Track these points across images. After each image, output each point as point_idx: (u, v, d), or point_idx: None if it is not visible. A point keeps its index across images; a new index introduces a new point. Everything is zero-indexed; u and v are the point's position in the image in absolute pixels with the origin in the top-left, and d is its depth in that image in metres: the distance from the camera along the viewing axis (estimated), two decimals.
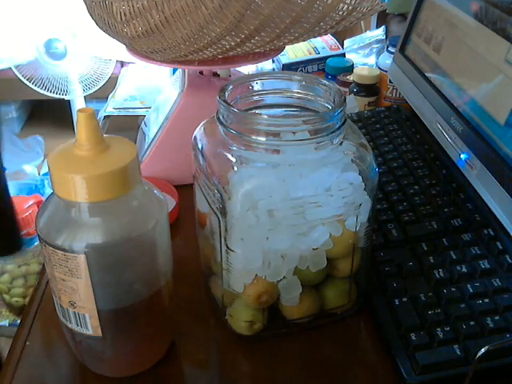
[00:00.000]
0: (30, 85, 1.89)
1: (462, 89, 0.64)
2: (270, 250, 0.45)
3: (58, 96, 1.93)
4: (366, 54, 1.09)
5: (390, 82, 0.85)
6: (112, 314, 0.43)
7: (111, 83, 1.82)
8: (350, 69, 0.93)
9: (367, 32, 1.16)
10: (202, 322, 0.54)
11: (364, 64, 1.04)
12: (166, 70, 1.38)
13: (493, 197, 0.55)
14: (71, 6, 1.71)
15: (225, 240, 0.45)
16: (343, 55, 1.02)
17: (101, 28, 0.65)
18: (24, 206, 1.32)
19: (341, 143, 0.46)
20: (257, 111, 0.50)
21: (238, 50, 0.62)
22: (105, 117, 1.55)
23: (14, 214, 0.74)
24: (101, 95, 1.77)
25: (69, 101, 2.03)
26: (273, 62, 1.05)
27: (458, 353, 0.45)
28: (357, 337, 0.53)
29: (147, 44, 0.61)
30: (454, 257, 0.53)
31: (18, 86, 1.89)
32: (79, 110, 0.38)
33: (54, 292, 0.43)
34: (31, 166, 2.15)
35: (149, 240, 0.42)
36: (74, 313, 0.42)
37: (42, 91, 1.90)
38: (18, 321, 1.24)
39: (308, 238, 0.46)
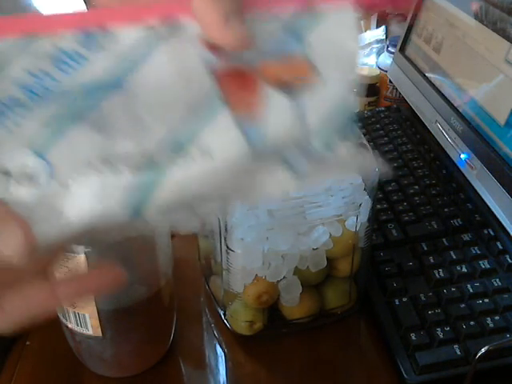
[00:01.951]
0: None
1: (462, 89, 0.64)
2: (269, 250, 0.45)
3: None
4: (366, 54, 1.09)
5: (390, 82, 0.85)
6: (112, 314, 0.43)
7: None
8: None
9: (367, 32, 1.16)
10: (201, 322, 0.54)
11: (364, 64, 1.04)
12: None
13: (493, 197, 0.55)
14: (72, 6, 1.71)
15: (225, 240, 0.45)
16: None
17: None
18: None
19: None
20: None
21: None
22: None
23: None
24: None
25: None
26: None
27: (458, 353, 0.45)
28: (357, 337, 0.53)
29: None
30: (454, 257, 0.53)
31: None
32: None
33: None
34: None
35: (149, 240, 0.42)
36: (74, 313, 0.42)
37: None
38: None
39: (308, 238, 0.46)
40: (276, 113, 0.23)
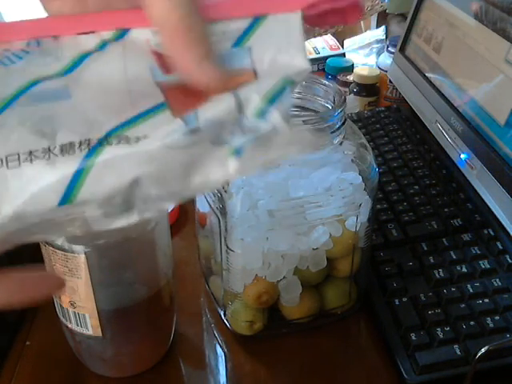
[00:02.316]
0: None
1: (461, 89, 0.64)
2: (270, 250, 0.45)
3: None
4: (366, 54, 1.09)
5: (390, 81, 0.85)
6: (112, 313, 0.43)
7: None
8: (350, 69, 0.93)
9: (367, 32, 1.16)
10: (201, 322, 0.54)
11: (364, 64, 1.04)
12: None
13: (493, 197, 0.55)
14: None
15: (225, 240, 0.45)
16: (343, 55, 1.02)
17: None
18: None
19: (341, 143, 0.46)
20: None
21: None
22: None
23: None
24: None
25: None
26: None
27: (458, 353, 0.45)
28: (357, 337, 0.53)
29: None
30: (454, 257, 0.53)
31: None
32: None
33: None
34: None
35: (149, 240, 0.42)
36: (74, 313, 0.42)
37: None
38: None
39: (308, 238, 0.46)
40: (214, 101, 0.24)
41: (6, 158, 0.22)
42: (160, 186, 0.23)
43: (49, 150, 0.22)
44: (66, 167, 0.22)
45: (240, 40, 0.24)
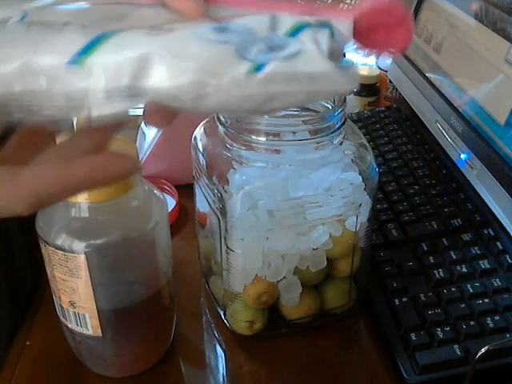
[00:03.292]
0: None
1: (461, 89, 0.64)
2: (270, 250, 0.45)
3: None
4: (366, 54, 1.09)
5: (390, 81, 0.85)
6: (112, 313, 0.43)
7: None
8: None
9: None
10: (201, 322, 0.54)
11: (364, 64, 1.04)
12: None
13: (493, 197, 0.55)
14: None
15: (225, 240, 0.45)
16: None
17: None
18: None
19: (341, 143, 0.46)
20: None
21: None
22: None
23: None
24: None
25: None
26: None
27: (458, 353, 0.45)
28: (357, 337, 0.53)
29: None
30: (454, 257, 0.53)
31: None
32: None
33: (54, 292, 0.43)
34: None
35: (149, 240, 0.42)
36: (74, 313, 0.42)
37: None
38: None
39: (308, 238, 0.46)
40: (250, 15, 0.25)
41: (43, 23, 0.23)
42: (172, 70, 0.23)
43: (84, 25, 0.23)
44: (89, 35, 0.23)
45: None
